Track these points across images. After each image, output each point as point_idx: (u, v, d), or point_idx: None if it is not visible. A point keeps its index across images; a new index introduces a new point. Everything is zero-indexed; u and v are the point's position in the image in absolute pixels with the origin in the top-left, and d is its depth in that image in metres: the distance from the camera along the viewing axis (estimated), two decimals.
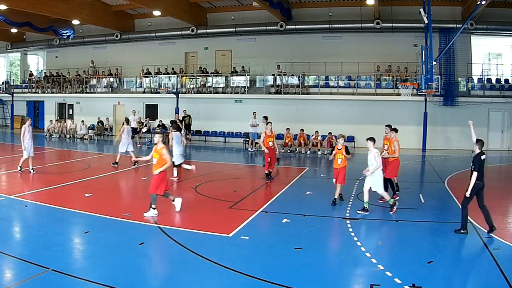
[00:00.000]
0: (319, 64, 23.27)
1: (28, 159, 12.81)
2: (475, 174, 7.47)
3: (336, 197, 9.61)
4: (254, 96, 23.89)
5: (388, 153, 10.00)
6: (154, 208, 8.39)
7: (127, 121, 15.52)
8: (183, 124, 18.41)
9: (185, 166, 12.08)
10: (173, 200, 8.71)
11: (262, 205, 9.49)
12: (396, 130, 10.25)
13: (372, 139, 9.08)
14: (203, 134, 25.21)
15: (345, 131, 22.20)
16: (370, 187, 8.97)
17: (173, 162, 12.45)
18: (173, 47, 27.66)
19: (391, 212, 8.92)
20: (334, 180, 9.69)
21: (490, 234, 7.51)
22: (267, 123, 12.80)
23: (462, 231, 7.58)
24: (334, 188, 9.67)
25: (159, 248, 7.00)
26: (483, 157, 7.66)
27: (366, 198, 8.94)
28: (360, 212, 8.89)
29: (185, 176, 14.47)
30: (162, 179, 8.39)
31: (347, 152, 9.66)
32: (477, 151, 7.72)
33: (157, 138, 8.75)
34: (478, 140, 7.81)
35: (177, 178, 12.52)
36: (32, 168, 12.80)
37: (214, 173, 14.32)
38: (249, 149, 20.92)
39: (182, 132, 22.82)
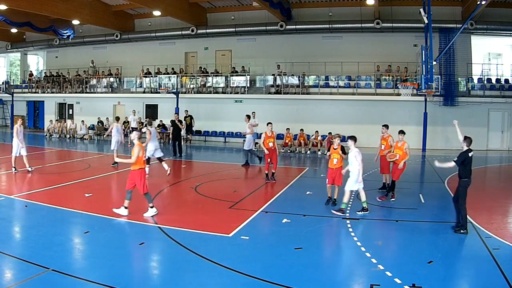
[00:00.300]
0: (319, 64, 23.28)
1: (22, 158, 12.94)
2: (452, 163, 7.67)
3: (335, 197, 9.55)
4: (254, 96, 23.90)
5: (390, 155, 9.94)
6: (151, 207, 8.37)
7: (117, 119, 15.78)
8: (182, 124, 18.31)
9: (164, 166, 12.63)
10: (125, 207, 8.32)
11: (262, 205, 9.49)
12: (403, 133, 10.22)
13: (353, 137, 9.00)
14: (203, 134, 25.22)
15: (345, 131, 22.17)
16: (362, 187, 8.89)
17: (159, 158, 12.87)
18: (173, 47, 27.67)
19: (333, 210, 8.85)
20: (327, 180, 9.53)
21: (456, 229, 7.71)
22: (269, 123, 12.70)
23: (462, 231, 7.58)
24: (332, 189, 9.57)
25: (159, 248, 6.99)
26: (470, 154, 7.77)
27: (363, 197, 8.92)
28: (359, 212, 8.88)
29: (186, 176, 14.50)
30: (143, 177, 8.27)
31: (343, 152, 9.56)
32: (465, 148, 7.81)
33: (133, 135, 8.70)
34: (466, 137, 7.92)
35: (169, 171, 12.74)
36: (14, 167, 12.90)
37: (214, 173, 14.32)
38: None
39: (182, 132, 22.90)
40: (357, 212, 8.88)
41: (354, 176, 8.77)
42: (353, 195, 10.50)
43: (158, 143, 13.63)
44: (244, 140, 21.30)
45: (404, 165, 9.94)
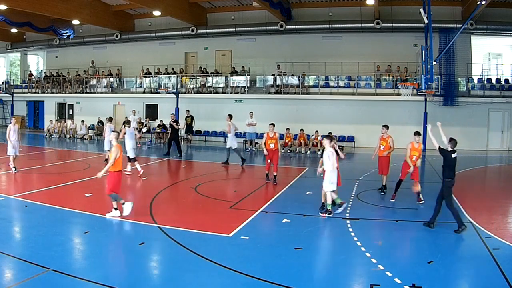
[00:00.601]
0: (319, 64, 23.27)
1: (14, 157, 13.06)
2: (437, 145, 8.07)
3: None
4: (254, 96, 23.90)
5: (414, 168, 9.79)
6: (116, 209, 8.20)
7: (110, 119, 15.80)
8: (177, 124, 18.25)
9: (137, 165, 12.92)
10: (115, 208, 8.25)
11: (262, 205, 9.49)
12: (420, 134, 10.16)
13: (328, 137, 9.03)
14: (203, 134, 25.21)
15: (345, 131, 22.36)
16: (333, 189, 8.80)
17: (128, 157, 13.07)
18: (173, 47, 27.67)
19: (320, 213, 8.80)
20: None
21: (425, 226, 7.90)
22: (271, 124, 12.60)
23: (460, 229, 7.62)
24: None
25: (159, 248, 6.99)
26: (454, 155, 7.88)
27: (334, 195, 8.83)
28: (337, 210, 8.81)
29: (186, 176, 14.50)
30: (115, 179, 8.15)
31: (337, 153, 9.31)
32: (449, 149, 7.93)
33: (111, 136, 8.67)
34: (451, 139, 8.07)
35: (130, 173, 12.93)
36: (14, 167, 12.96)
37: (214, 173, 14.32)
38: (248, 148, 20.99)
39: (182, 132, 22.84)
40: (320, 212, 8.81)
41: (328, 176, 8.72)
42: (353, 196, 10.53)
43: (136, 143, 13.97)
44: (244, 139, 21.66)
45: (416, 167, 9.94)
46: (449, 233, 7.67)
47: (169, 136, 18.57)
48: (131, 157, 12.99)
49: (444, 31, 21.45)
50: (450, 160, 7.84)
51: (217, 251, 6.58)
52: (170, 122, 17.85)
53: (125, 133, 13.05)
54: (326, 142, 8.86)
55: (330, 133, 19.85)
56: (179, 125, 18.20)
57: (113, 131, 8.92)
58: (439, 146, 8.03)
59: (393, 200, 10.06)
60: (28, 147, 20.53)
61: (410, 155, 9.93)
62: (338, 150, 9.56)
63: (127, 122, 13.79)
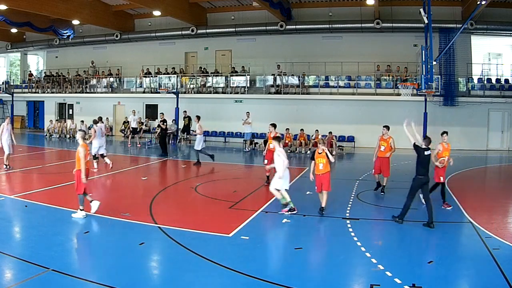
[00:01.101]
0: (319, 64, 23.28)
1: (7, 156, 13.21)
2: (413, 140, 8.11)
3: (323, 205, 8.92)
4: (254, 96, 23.90)
5: (441, 161, 9.40)
6: (81, 210, 8.13)
7: (100, 119, 15.83)
8: (164, 124, 18.20)
9: (106, 160, 13.48)
10: (91, 201, 8.33)
11: (262, 205, 9.48)
12: (447, 133, 9.86)
13: (277, 138, 9.26)
14: (203, 134, 25.15)
15: (345, 131, 22.37)
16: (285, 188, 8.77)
17: (101, 155, 13.61)
18: (173, 47, 27.67)
19: (282, 211, 8.73)
20: (316, 187, 8.97)
21: (425, 226, 7.88)
22: (270, 125, 12.44)
23: (397, 219, 8.02)
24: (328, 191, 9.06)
25: (159, 248, 7.00)
26: (426, 152, 8.01)
27: (287, 198, 8.75)
28: (286, 212, 8.72)
29: (186, 176, 14.49)
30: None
31: (327, 157, 9.02)
32: (423, 146, 8.05)
33: (77, 135, 8.72)
34: (426, 137, 8.26)
35: (96, 170, 13.26)
36: (7, 164, 13.08)
37: (214, 173, 14.32)
38: (246, 149, 20.97)
39: (181, 133, 22.75)
40: (283, 212, 8.75)
41: (279, 173, 8.79)
42: (353, 196, 10.52)
43: (104, 141, 14.24)
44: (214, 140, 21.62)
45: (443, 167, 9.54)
46: (449, 233, 7.68)
47: (159, 136, 18.71)
48: (93, 153, 13.22)
49: (444, 31, 21.45)
50: (423, 158, 7.99)
51: (217, 251, 6.58)
52: (161, 120, 17.96)
53: (95, 131, 13.55)
54: (275, 143, 9.21)
55: (330, 132, 20.00)
56: (166, 125, 18.25)
57: (79, 130, 8.98)
58: (414, 143, 8.17)
59: (449, 208, 9.46)
60: (28, 147, 20.55)
61: (442, 155, 9.48)
62: (329, 154, 9.04)
63: (94, 122, 14.12)
